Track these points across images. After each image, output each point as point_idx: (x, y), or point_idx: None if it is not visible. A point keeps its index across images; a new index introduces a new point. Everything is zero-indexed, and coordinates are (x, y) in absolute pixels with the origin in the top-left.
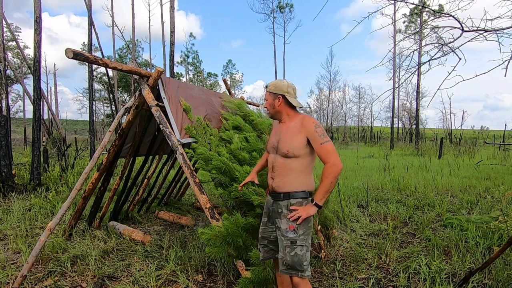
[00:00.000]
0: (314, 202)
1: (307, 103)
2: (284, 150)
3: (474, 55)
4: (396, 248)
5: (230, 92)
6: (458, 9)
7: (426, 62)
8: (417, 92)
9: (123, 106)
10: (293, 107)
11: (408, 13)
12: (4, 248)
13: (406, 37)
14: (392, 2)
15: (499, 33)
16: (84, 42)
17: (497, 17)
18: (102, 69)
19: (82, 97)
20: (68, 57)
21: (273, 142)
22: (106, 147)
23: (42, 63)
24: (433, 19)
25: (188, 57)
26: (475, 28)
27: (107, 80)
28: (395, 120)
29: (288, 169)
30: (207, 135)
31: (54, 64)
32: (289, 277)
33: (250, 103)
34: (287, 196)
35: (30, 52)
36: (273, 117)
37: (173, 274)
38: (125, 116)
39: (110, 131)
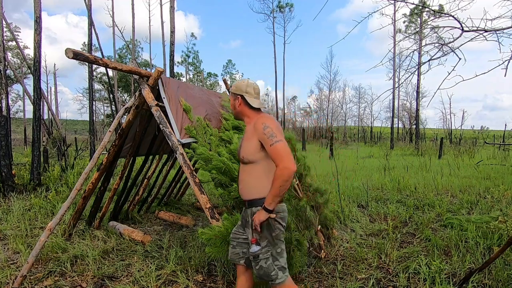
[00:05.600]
0: (263, 206)
1: (307, 103)
2: (240, 156)
3: (474, 55)
4: (396, 248)
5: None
6: (458, 9)
7: (426, 62)
8: (417, 92)
9: (123, 106)
10: (254, 108)
11: (408, 13)
12: (4, 248)
13: (406, 37)
14: (392, 2)
15: (499, 33)
16: (84, 42)
17: (497, 17)
18: (102, 69)
19: (82, 97)
20: (68, 57)
21: (238, 148)
22: (106, 147)
23: (42, 63)
24: (433, 19)
25: (188, 57)
26: (475, 28)
27: (107, 80)
28: (395, 120)
29: (248, 175)
30: (207, 135)
31: (54, 64)
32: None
33: None
34: (251, 204)
35: (30, 52)
36: (237, 118)
37: (173, 274)
38: (125, 116)
39: (110, 131)
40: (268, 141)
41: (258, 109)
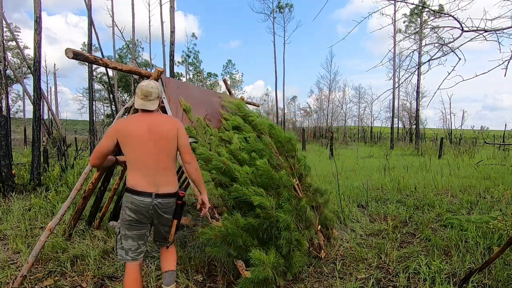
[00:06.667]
0: None
1: (307, 103)
2: None
3: (474, 55)
4: (396, 248)
5: (230, 92)
6: (458, 9)
7: (426, 62)
8: (417, 92)
9: (123, 106)
10: (143, 109)
11: (408, 13)
12: (4, 248)
13: (406, 37)
14: (392, 2)
15: (499, 33)
16: (84, 42)
17: (497, 17)
18: (102, 69)
19: (82, 97)
20: (68, 57)
21: None
22: None
23: (42, 63)
24: (433, 19)
25: (189, 57)
26: (475, 28)
27: (107, 80)
28: (395, 120)
29: None
30: (207, 135)
31: (54, 64)
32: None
33: (249, 103)
34: None
35: (30, 52)
36: None
37: None
38: (125, 116)
39: None
40: None
41: (148, 110)
